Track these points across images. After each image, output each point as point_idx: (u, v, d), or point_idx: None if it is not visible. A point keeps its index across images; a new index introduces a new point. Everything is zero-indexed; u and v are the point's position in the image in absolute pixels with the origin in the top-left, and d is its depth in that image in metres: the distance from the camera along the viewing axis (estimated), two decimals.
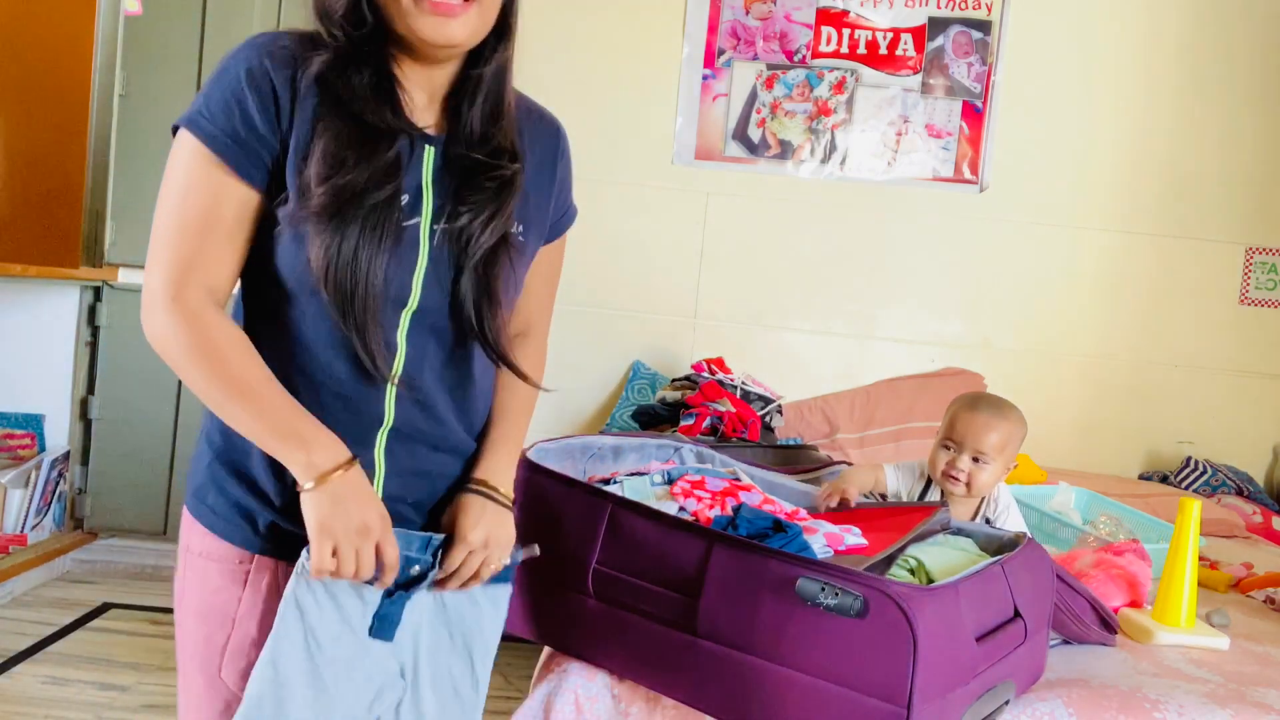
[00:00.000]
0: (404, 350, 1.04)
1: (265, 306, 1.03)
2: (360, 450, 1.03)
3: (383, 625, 1.05)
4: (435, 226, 1.04)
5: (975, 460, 1.72)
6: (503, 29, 1.08)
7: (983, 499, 1.79)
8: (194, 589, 1.05)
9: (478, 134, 1.08)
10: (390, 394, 1.04)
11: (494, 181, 1.07)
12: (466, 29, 1.00)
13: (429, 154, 1.06)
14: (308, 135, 0.98)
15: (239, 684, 1.02)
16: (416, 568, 1.05)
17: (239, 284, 1.06)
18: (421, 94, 1.07)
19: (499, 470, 1.14)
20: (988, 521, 1.75)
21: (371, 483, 1.04)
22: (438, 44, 1.00)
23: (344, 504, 0.98)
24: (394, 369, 1.03)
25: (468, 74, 1.08)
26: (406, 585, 1.05)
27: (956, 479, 1.73)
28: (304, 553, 0.99)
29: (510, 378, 1.15)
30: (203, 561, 1.05)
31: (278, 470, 1.01)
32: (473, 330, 1.07)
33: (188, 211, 1.00)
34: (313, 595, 1.01)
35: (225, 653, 1.03)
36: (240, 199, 1.00)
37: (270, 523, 1.03)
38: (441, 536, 1.08)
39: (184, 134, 1.00)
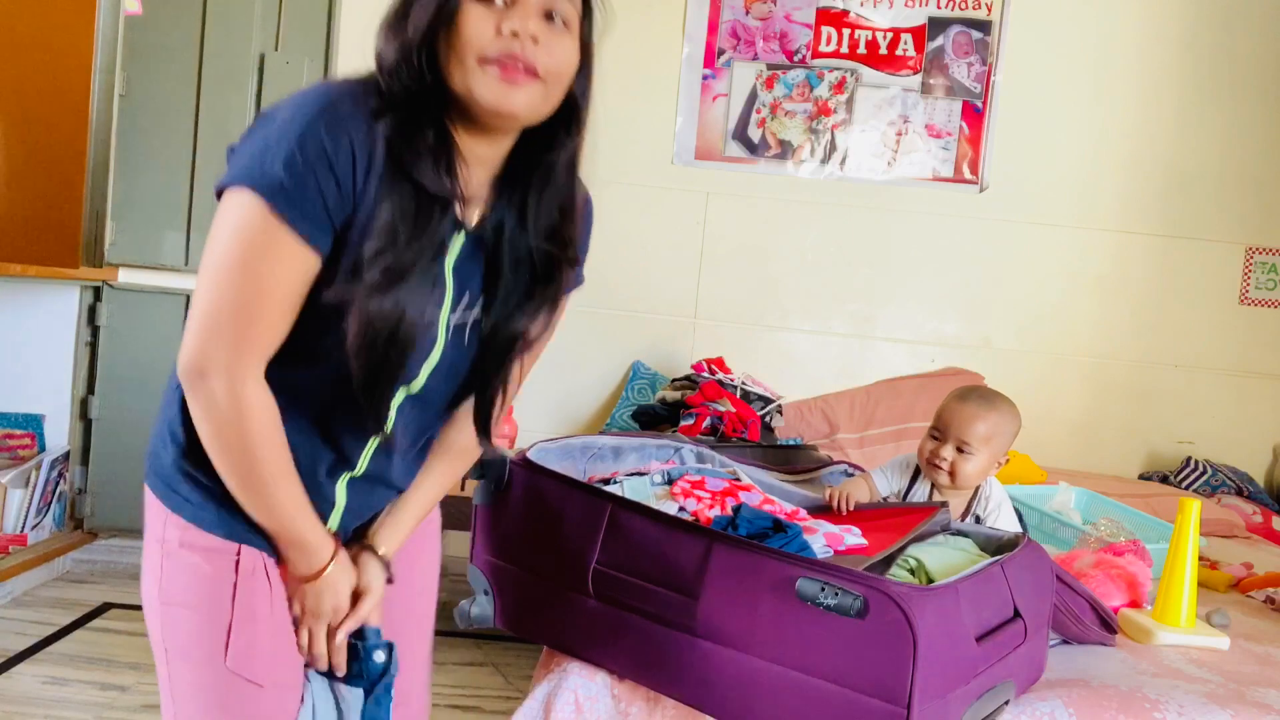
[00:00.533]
0: (393, 417, 1.07)
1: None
2: (325, 483, 1.08)
3: None
4: (451, 317, 1.05)
5: (960, 450, 1.71)
6: (571, 118, 1.05)
7: (973, 496, 1.78)
8: (180, 580, 1.04)
9: (543, 228, 1.06)
10: (371, 445, 1.09)
11: (544, 283, 1.08)
12: (528, 102, 0.98)
13: (457, 242, 1.04)
14: (373, 202, 0.96)
15: (255, 673, 1.04)
16: (380, 653, 1.11)
17: None
18: (478, 168, 1.04)
19: (393, 538, 1.17)
20: (977, 519, 1.74)
21: (329, 517, 1.10)
22: (497, 111, 0.97)
23: (329, 591, 1.08)
24: (384, 430, 1.06)
25: (535, 159, 1.06)
26: (379, 678, 1.11)
27: (939, 468, 1.72)
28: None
29: (459, 428, 1.17)
30: (186, 553, 1.04)
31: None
32: (475, 416, 1.12)
33: (255, 283, 0.94)
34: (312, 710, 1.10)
35: (231, 642, 1.03)
36: (309, 267, 0.96)
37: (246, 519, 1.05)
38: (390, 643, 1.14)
39: (244, 195, 0.93)
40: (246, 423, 0.98)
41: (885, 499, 1.80)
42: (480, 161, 1.04)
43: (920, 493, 1.79)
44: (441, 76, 0.98)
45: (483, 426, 1.13)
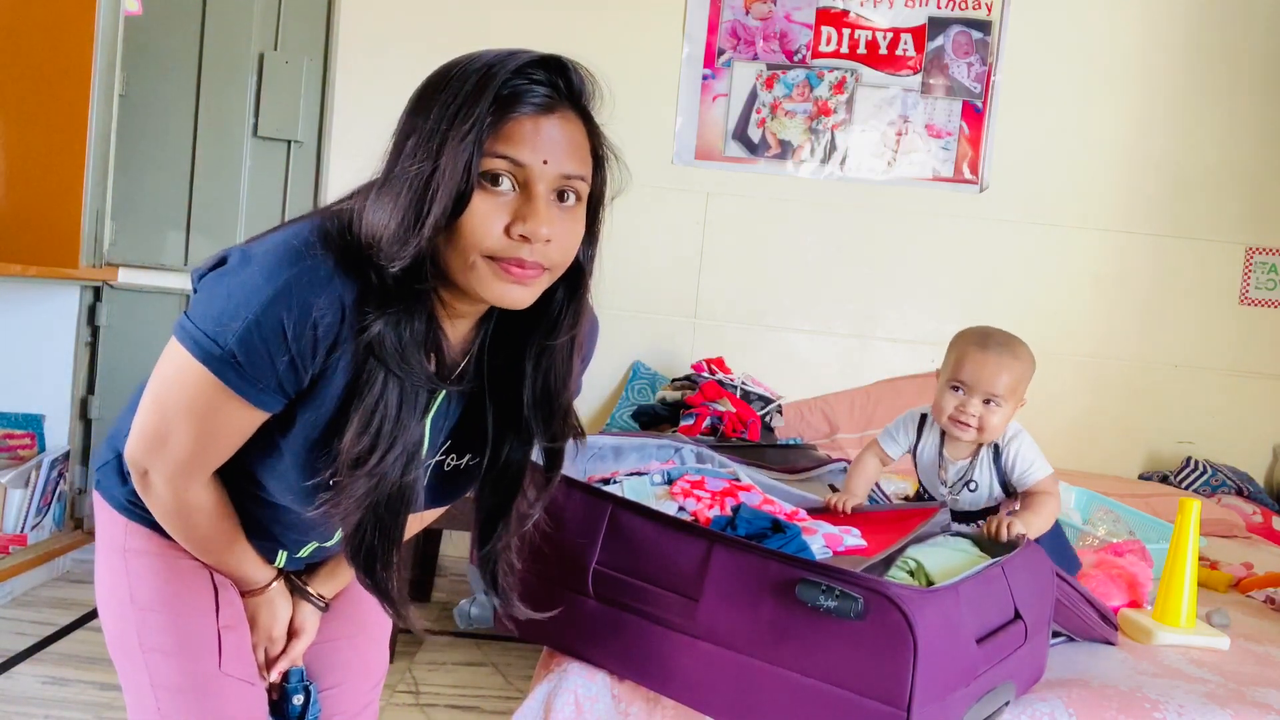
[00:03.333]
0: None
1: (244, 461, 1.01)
2: (286, 548, 1.13)
3: None
4: (429, 461, 1.04)
5: (986, 403, 1.62)
6: (576, 285, 0.99)
7: None
8: (152, 584, 1.07)
9: (537, 402, 1.01)
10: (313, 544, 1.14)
11: (544, 438, 1.05)
12: (533, 295, 0.92)
13: (437, 399, 1.00)
14: (342, 384, 0.92)
15: (250, 675, 1.09)
16: (299, 697, 1.16)
17: None
18: (460, 321, 0.99)
19: (331, 584, 1.21)
20: (995, 449, 1.67)
21: (275, 561, 1.14)
22: (499, 306, 0.92)
23: (266, 609, 1.13)
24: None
25: (537, 343, 1.00)
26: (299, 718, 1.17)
27: (967, 425, 1.64)
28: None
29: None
30: (149, 559, 1.07)
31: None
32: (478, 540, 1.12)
33: (200, 429, 0.94)
34: None
35: (223, 648, 1.06)
36: (256, 420, 0.94)
37: None
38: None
39: (196, 362, 0.89)
40: (190, 517, 1.01)
41: (884, 498, 1.80)
42: (465, 315, 0.98)
43: (930, 443, 1.73)
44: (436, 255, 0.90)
45: (489, 575, 1.11)
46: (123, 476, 1.07)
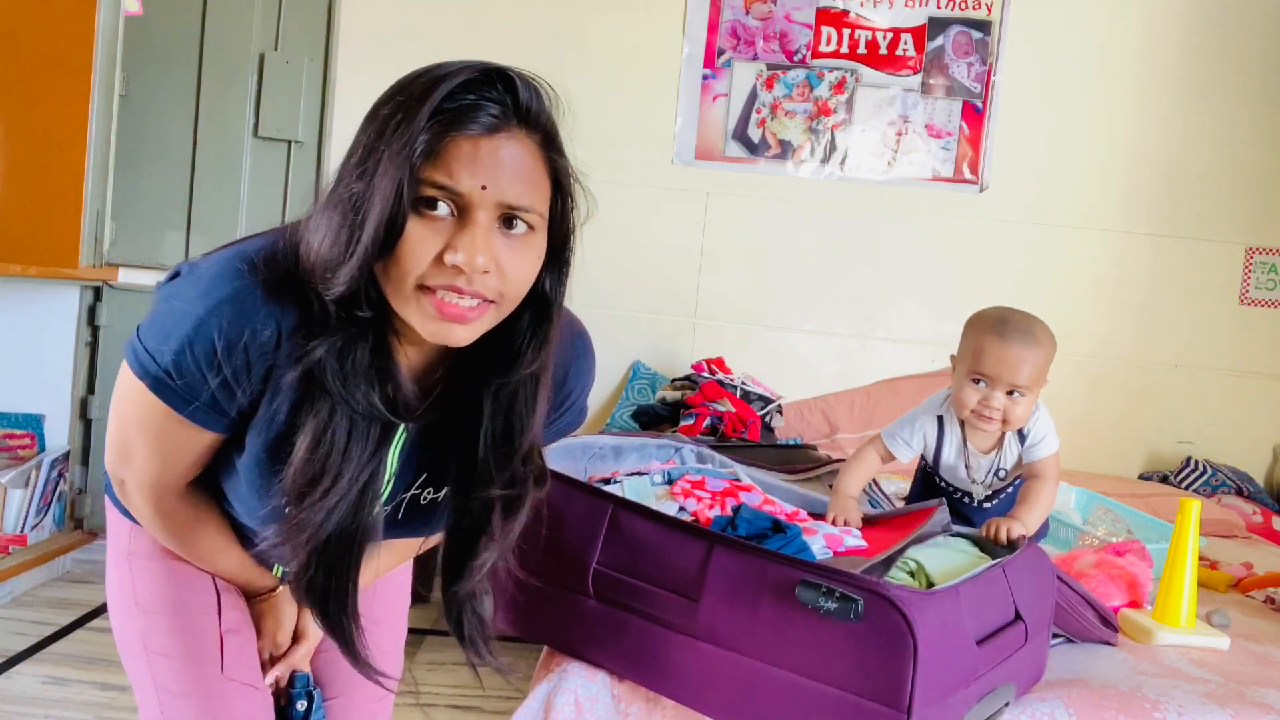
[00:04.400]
0: None
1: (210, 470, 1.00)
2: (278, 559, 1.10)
3: None
4: (392, 502, 1.00)
5: (1010, 394, 1.56)
6: (543, 316, 0.91)
7: None
8: (156, 588, 1.07)
9: (491, 448, 0.94)
10: None
11: (506, 503, 0.97)
12: (474, 332, 0.85)
13: (400, 436, 0.95)
14: (285, 409, 0.88)
15: (253, 677, 1.08)
16: (302, 702, 1.16)
17: None
18: (418, 350, 0.93)
19: None
20: (1020, 431, 1.64)
21: (272, 569, 1.13)
22: (438, 343, 0.86)
23: (271, 614, 1.13)
24: None
25: (496, 378, 0.92)
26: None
27: (991, 418, 1.58)
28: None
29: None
30: (153, 562, 1.07)
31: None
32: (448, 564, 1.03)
33: (157, 446, 0.93)
34: None
35: (225, 651, 1.06)
36: (206, 439, 0.93)
37: None
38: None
39: (138, 381, 0.88)
40: (168, 524, 1.02)
41: (885, 499, 1.80)
42: (422, 342, 0.89)
43: (953, 443, 1.68)
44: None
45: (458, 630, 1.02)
46: None
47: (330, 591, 0.92)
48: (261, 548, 0.95)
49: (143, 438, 0.93)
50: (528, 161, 0.84)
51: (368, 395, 0.86)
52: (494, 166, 0.81)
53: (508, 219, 0.83)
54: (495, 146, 0.81)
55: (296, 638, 1.16)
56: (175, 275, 0.89)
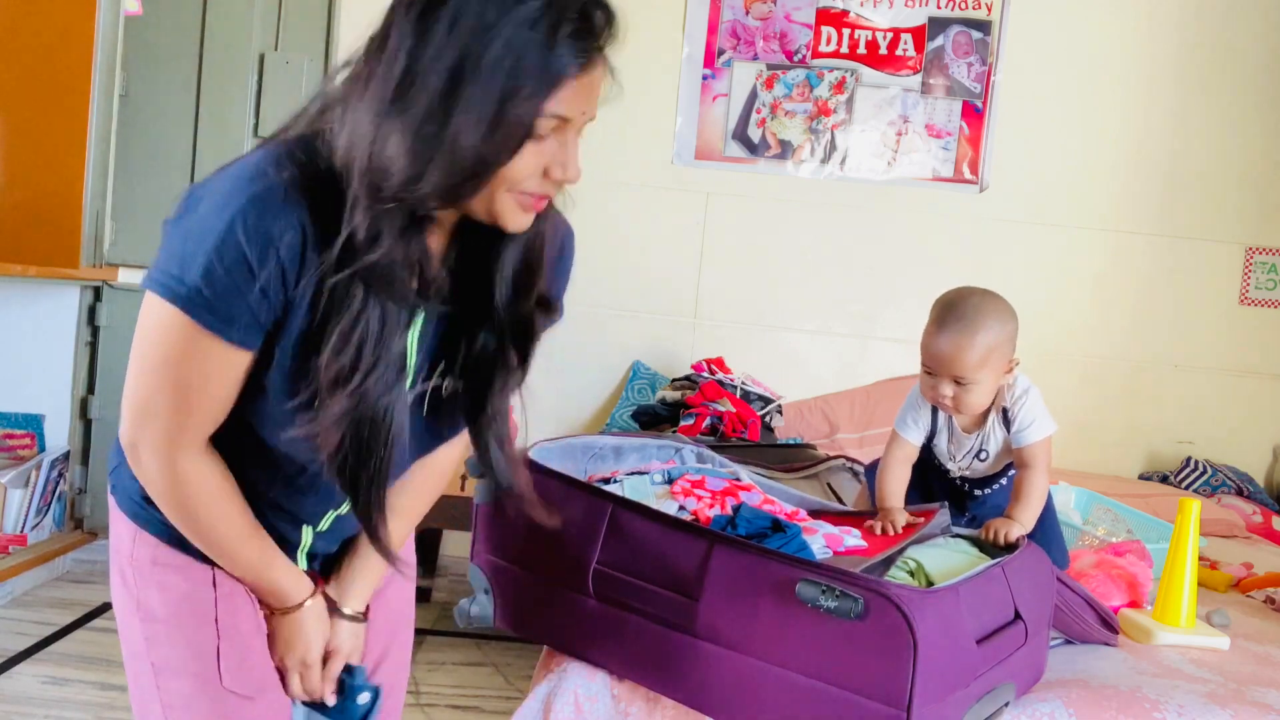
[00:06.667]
0: None
1: (237, 410, 0.97)
2: (307, 521, 1.07)
3: None
4: (413, 391, 0.99)
5: (959, 383, 1.54)
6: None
7: (996, 393, 1.62)
8: (158, 597, 1.03)
9: (510, 283, 0.98)
10: (334, 513, 1.09)
11: (516, 337, 1.00)
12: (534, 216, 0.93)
13: (419, 318, 0.97)
14: (315, 302, 0.88)
15: (249, 687, 1.04)
16: (365, 695, 1.12)
17: None
18: (439, 236, 0.96)
19: (361, 595, 1.14)
20: (1005, 413, 1.61)
21: (296, 552, 1.08)
22: (509, 230, 0.92)
23: (300, 634, 1.06)
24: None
25: (506, 243, 0.96)
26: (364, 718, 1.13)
27: (946, 406, 1.57)
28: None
29: (424, 466, 1.12)
30: (161, 570, 1.03)
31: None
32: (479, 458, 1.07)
33: (183, 381, 0.90)
34: None
35: (222, 663, 1.02)
36: (240, 361, 0.90)
37: None
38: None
39: (165, 305, 0.86)
40: (185, 495, 0.96)
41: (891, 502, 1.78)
42: (444, 225, 0.95)
43: (944, 423, 1.67)
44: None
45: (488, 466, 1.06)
46: (133, 475, 1.02)
47: (362, 475, 0.93)
48: (294, 434, 0.91)
49: (168, 379, 0.89)
50: (604, 82, 0.91)
51: (405, 283, 0.89)
52: (594, 94, 0.89)
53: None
54: (596, 76, 0.88)
55: (329, 653, 1.10)
56: (185, 207, 0.88)
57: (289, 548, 1.07)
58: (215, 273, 0.84)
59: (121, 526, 1.06)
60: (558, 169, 0.88)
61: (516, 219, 0.90)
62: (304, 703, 1.11)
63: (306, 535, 1.09)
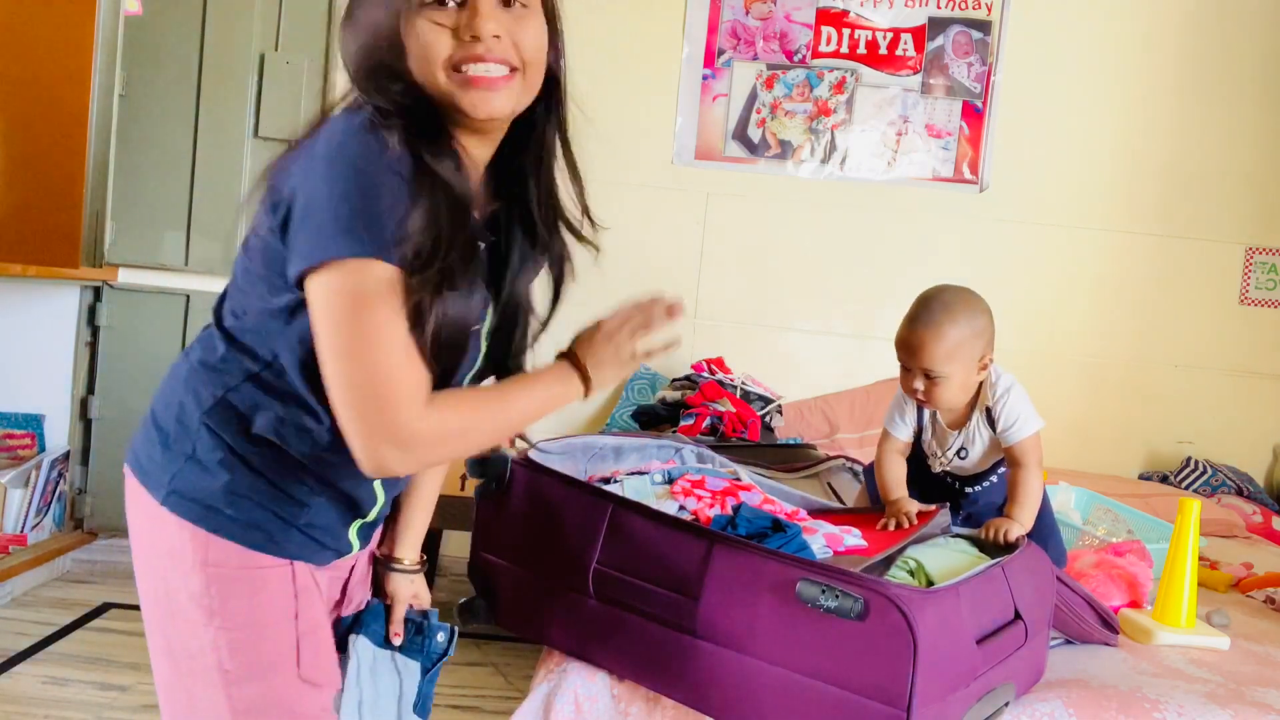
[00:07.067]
0: None
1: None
2: (365, 486, 1.09)
3: (425, 704, 1.24)
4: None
5: (929, 377, 1.58)
6: (551, 93, 1.05)
7: (978, 392, 1.65)
8: (239, 603, 1.01)
9: (547, 205, 1.08)
10: None
11: (554, 270, 1.12)
12: (511, 100, 0.98)
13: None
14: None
15: (320, 677, 1.08)
16: (442, 635, 1.23)
17: (284, 349, 0.99)
18: (473, 169, 1.02)
19: (414, 547, 1.26)
20: (989, 413, 1.63)
21: (374, 509, 1.12)
22: (480, 118, 0.97)
23: (604, 368, 1.10)
24: None
25: (525, 142, 1.06)
26: (439, 658, 1.24)
27: (920, 400, 1.61)
28: (359, 639, 1.18)
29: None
30: (242, 574, 1.01)
31: (308, 489, 1.04)
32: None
33: (400, 338, 0.91)
34: (372, 671, 1.19)
35: (301, 655, 1.05)
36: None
37: (299, 533, 1.04)
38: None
39: (370, 265, 0.88)
40: (466, 413, 0.97)
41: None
42: (475, 163, 1.02)
43: (929, 420, 1.70)
44: (421, 90, 0.96)
45: None
46: (224, 466, 0.99)
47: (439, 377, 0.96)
48: None
49: (395, 335, 0.90)
50: None
51: (457, 175, 0.95)
52: None
53: (505, 1, 0.96)
54: None
55: (392, 603, 1.22)
56: (306, 191, 0.92)
57: (362, 509, 1.10)
58: (381, 213, 0.89)
59: (187, 535, 1.00)
60: (465, 29, 0.93)
61: (469, 98, 0.95)
62: (390, 647, 1.21)
63: (379, 493, 1.11)
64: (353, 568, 1.19)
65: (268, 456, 1.00)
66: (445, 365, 0.96)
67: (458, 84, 0.95)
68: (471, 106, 0.95)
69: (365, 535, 1.14)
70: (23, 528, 2.92)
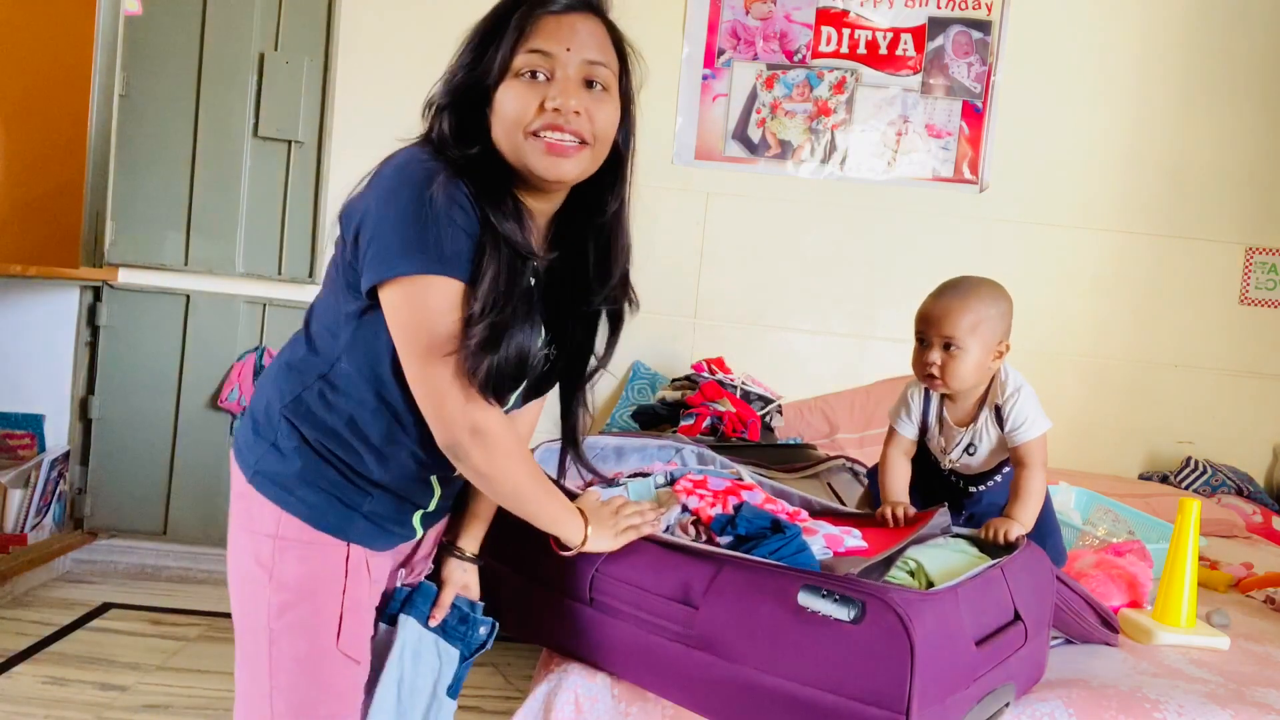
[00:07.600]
0: None
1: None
2: (433, 475, 1.21)
3: (456, 686, 1.31)
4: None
5: (947, 349, 1.56)
6: (617, 168, 1.21)
7: (988, 388, 1.63)
8: (297, 570, 1.14)
9: (601, 273, 1.22)
10: None
11: (609, 315, 1.26)
12: (579, 168, 1.11)
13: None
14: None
15: (358, 652, 1.18)
16: (484, 628, 1.32)
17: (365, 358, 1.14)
18: (537, 223, 1.16)
19: (477, 538, 1.37)
20: (998, 411, 1.61)
21: (432, 501, 1.25)
22: (550, 180, 1.10)
23: (601, 535, 1.27)
24: None
25: (588, 207, 1.21)
26: (478, 648, 1.33)
27: (932, 375, 1.58)
28: (408, 619, 1.26)
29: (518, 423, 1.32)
30: (302, 546, 1.15)
31: (368, 480, 1.17)
32: (564, 434, 1.32)
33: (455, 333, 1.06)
34: (415, 653, 1.27)
35: (343, 628, 1.15)
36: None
37: (362, 519, 1.17)
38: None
39: (431, 280, 1.03)
40: (519, 458, 1.14)
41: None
42: (538, 216, 1.16)
43: (932, 407, 1.69)
44: (496, 148, 1.09)
45: (571, 440, 1.30)
46: (299, 454, 1.14)
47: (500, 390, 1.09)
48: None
49: (453, 331, 1.05)
50: (598, 33, 1.13)
51: (520, 233, 1.08)
52: (574, 33, 1.10)
53: (588, 82, 1.11)
54: (573, 20, 1.10)
55: (444, 583, 1.32)
56: (371, 219, 1.05)
57: (420, 501, 1.23)
58: (456, 236, 1.04)
59: (265, 509, 1.15)
60: (549, 100, 1.07)
61: (543, 161, 1.08)
62: (433, 629, 1.29)
63: (436, 488, 1.23)
64: (419, 542, 1.31)
65: (335, 448, 1.14)
66: (499, 391, 1.08)
67: (534, 147, 1.08)
68: (544, 169, 1.08)
69: (428, 522, 1.27)
70: (23, 528, 2.92)
